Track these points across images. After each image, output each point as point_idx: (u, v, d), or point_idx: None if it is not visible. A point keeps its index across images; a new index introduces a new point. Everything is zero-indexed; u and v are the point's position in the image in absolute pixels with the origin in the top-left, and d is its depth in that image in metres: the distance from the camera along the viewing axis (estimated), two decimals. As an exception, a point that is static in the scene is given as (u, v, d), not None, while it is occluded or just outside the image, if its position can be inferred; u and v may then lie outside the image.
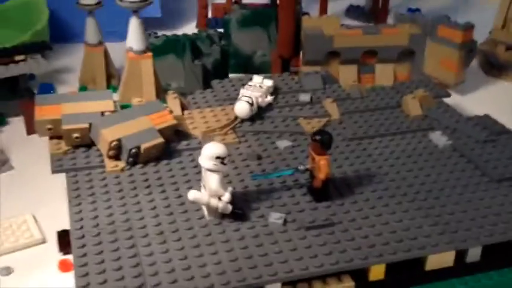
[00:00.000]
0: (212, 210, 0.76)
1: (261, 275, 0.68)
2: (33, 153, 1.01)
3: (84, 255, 0.70)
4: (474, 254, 0.74)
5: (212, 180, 0.74)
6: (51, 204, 0.83)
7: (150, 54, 1.01)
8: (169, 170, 0.86)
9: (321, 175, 0.78)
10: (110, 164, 0.87)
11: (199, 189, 0.76)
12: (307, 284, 0.70)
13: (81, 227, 0.75)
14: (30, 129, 1.09)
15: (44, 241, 0.82)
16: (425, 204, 0.80)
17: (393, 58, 1.21)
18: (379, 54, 1.21)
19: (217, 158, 0.74)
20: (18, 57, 1.17)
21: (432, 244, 0.73)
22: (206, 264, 0.69)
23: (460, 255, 0.74)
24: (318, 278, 0.71)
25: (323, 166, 0.78)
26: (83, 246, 0.71)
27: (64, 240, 0.78)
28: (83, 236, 0.73)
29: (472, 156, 0.90)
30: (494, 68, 1.37)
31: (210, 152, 0.74)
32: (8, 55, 1.17)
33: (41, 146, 0.95)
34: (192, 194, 0.74)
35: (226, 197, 0.75)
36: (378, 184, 0.84)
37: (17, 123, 1.12)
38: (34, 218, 0.85)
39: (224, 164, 0.74)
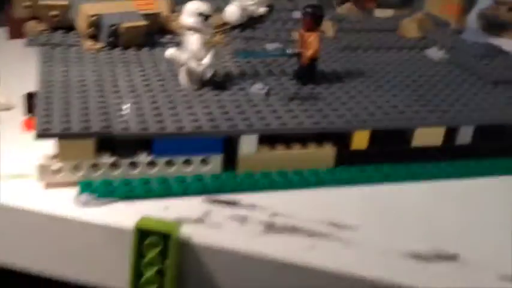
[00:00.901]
0: (191, 75, 0.71)
1: (237, 124, 0.63)
2: (13, 53, 0.97)
3: (49, 103, 0.65)
4: (464, 135, 0.70)
5: (193, 41, 0.70)
6: (22, 81, 0.79)
7: None
8: (150, 55, 0.82)
9: (309, 51, 0.74)
10: (88, 42, 0.83)
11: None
12: (285, 145, 0.66)
13: (49, 81, 0.70)
14: (13, 33, 1.05)
15: (9, 107, 0.77)
16: (417, 92, 0.76)
17: (394, 2, 1.18)
18: (379, -4, 1.18)
19: (200, 14, 0.69)
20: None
21: (421, 117, 0.68)
22: (180, 117, 0.64)
23: (450, 135, 0.69)
24: (298, 140, 0.66)
25: (312, 42, 0.74)
26: (48, 97, 0.66)
27: (31, 102, 0.73)
28: (50, 91, 0.68)
29: (469, 66, 0.86)
30: (495, 28, 1.34)
31: (193, 7, 0.70)
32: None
33: (20, 50, 0.92)
34: (170, 52, 0.70)
35: (207, 58, 0.71)
36: (368, 78, 0.79)
37: (1, 32, 1.08)
38: (3, 92, 0.80)
39: (207, 25, 0.70)
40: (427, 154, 0.69)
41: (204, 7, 0.70)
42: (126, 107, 0.64)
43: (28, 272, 0.60)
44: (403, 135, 0.69)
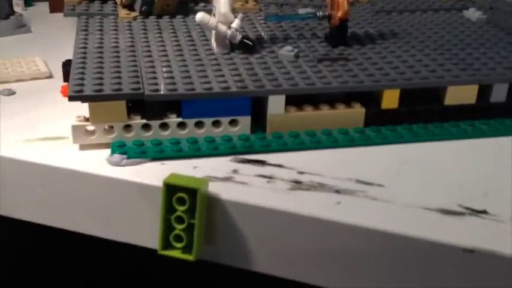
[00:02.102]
0: (220, 39, 0.72)
1: (265, 85, 0.64)
2: (54, 26, 1.00)
3: (83, 67, 0.67)
4: (499, 93, 0.68)
5: (222, 4, 0.71)
6: (63, 54, 0.81)
7: None
8: (183, 23, 0.83)
9: (339, 12, 0.74)
10: (123, 12, 0.85)
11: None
12: (313, 107, 0.66)
13: (85, 48, 0.72)
14: (54, 7, 1.08)
15: (50, 75, 0.80)
16: (450, 51, 0.74)
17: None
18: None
19: (229, -22, 0.70)
20: None
21: (452, 75, 0.67)
22: (209, 79, 0.65)
23: (484, 94, 0.68)
24: (326, 101, 0.66)
25: (342, 3, 0.73)
26: (82, 62, 0.68)
27: (68, 69, 0.75)
28: (84, 57, 0.70)
29: (507, 25, 0.84)
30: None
31: (221, -29, 0.70)
32: None
33: (61, 23, 0.94)
34: (200, 15, 0.71)
35: (236, 23, 0.71)
36: (401, 39, 0.78)
37: (42, 6, 1.11)
38: (44, 61, 0.83)
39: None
40: (460, 113, 0.68)
41: (232, -29, 0.70)
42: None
43: (62, 229, 0.62)
44: (436, 94, 0.68)
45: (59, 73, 0.78)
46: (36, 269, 1.06)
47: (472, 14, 0.89)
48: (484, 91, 0.68)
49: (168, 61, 0.69)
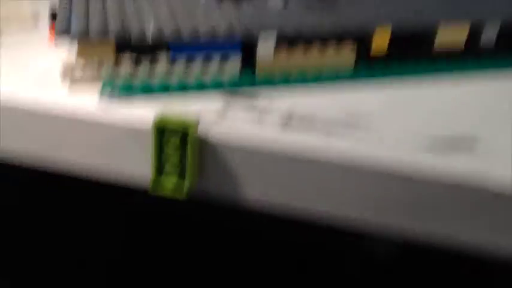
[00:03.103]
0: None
1: (254, 27, 0.63)
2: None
3: (69, 9, 0.66)
4: (489, 34, 0.68)
5: None
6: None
7: None
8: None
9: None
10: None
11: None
12: (303, 48, 0.65)
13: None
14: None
15: (36, 26, 0.78)
16: None
17: None
18: None
19: None
20: None
21: (443, 13, 0.67)
22: (198, 23, 0.64)
23: (474, 37, 0.68)
24: (317, 42, 0.65)
25: None
26: (68, 2, 0.67)
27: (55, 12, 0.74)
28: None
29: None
30: None
31: None
32: None
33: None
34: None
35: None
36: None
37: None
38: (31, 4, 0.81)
39: None
40: (450, 57, 0.68)
41: None
42: None
43: (57, 171, 0.62)
44: (426, 37, 0.67)
45: (45, 17, 0.76)
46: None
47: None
48: (475, 34, 0.68)
49: (156, 3, 0.68)
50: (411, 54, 0.67)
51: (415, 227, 0.54)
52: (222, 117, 0.58)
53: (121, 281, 1.10)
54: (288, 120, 0.58)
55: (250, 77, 0.64)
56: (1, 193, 1.05)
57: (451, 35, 0.67)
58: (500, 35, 0.68)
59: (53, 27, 0.73)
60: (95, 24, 0.61)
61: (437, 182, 0.52)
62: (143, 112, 0.58)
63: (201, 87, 0.61)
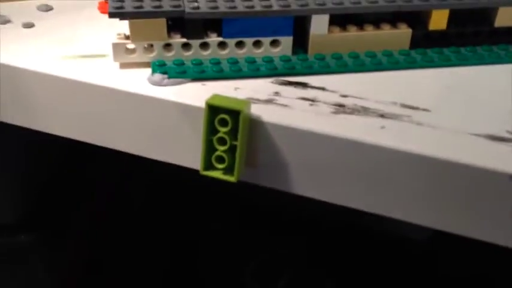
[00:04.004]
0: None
1: (308, 4, 0.61)
2: None
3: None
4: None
5: None
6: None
7: None
8: None
9: None
10: None
11: None
12: (357, 27, 0.64)
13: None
14: None
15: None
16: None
17: None
18: None
19: None
20: None
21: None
22: (249, -2, 0.63)
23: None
24: (371, 22, 0.64)
25: None
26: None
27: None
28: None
29: None
30: None
31: None
32: None
33: None
34: None
35: None
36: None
37: None
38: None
39: None
40: (510, 36, 0.65)
41: None
42: None
43: (101, 147, 0.63)
44: (486, 16, 0.65)
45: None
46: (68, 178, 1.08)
47: None
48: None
49: (208, -22, 0.67)
50: (470, 32, 0.64)
51: (468, 220, 0.53)
52: (273, 100, 0.57)
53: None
54: (341, 106, 0.57)
55: (302, 57, 0.62)
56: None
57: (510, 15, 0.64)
58: None
59: (102, 5, 0.73)
60: (147, 2, 0.61)
61: (497, 173, 0.50)
62: (195, 93, 0.58)
63: (252, 69, 0.60)
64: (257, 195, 0.97)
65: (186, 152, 0.59)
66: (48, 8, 0.73)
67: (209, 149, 0.55)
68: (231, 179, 0.55)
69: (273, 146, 0.56)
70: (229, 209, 1.19)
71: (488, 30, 0.65)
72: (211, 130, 0.54)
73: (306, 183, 0.57)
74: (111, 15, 0.58)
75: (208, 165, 0.55)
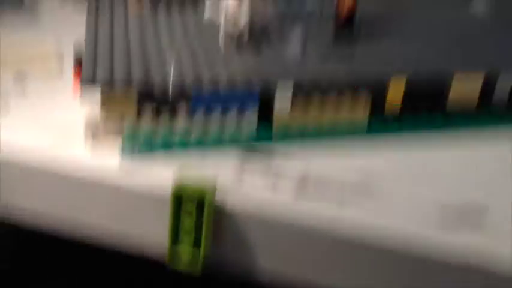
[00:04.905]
0: (228, 35, 0.72)
1: (272, 77, 0.65)
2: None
3: (94, 56, 0.68)
4: (503, 88, 0.69)
5: (229, 3, 0.71)
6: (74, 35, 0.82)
7: None
8: (195, 15, 0.83)
9: (346, 3, 0.74)
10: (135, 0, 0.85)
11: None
12: (320, 97, 0.67)
13: (95, 35, 0.73)
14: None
15: (62, 72, 0.81)
16: (458, 42, 0.75)
17: None
18: None
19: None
20: None
21: (458, 64, 0.68)
22: (218, 71, 0.66)
23: (488, 90, 0.69)
24: (333, 92, 0.67)
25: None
26: (94, 49, 0.69)
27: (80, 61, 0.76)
28: (95, 42, 0.71)
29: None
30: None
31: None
32: None
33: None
34: (207, 14, 0.71)
35: (244, 19, 0.71)
36: (407, 25, 0.79)
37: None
38: (57, 54, 0.84)
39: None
40: (464, 110, 0.69)
41: (240, -31, 0.70)
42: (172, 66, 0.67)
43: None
44: (440, 89, 0.69)
45: (69, 58, 0.78)
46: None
47: (481, 3, 0.89)
48: (488, 87, 0.69)
49: (178, 49, 0.70)
50: (425, 107, 0.68)
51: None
52: (238, 182, 0.60)
53: None
54: (302, 186, 0.59)
55: (266, 131, 0.66)
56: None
57: (465, 86, 0.68)
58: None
59: (77, 73, 0.75)
60: (119, 74, 0.63)
61: (445, 260, 0.53)
62: (163, 172, 0.60)
63: (219, 142, 0.63)
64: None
65: (153, 240, 0.61)
66: (21, 77, 0.76)
67: (174, 238, 0.57)
68: (196, 271, 0.56)
69: (237, 231, 0.58)
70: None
71: (444, 102, 0.69)
72: (177, 217, 0.56)
73: (272, 269, 0.59)
74: (82, 91, 0.61)
75: (173, 256, 0.57)
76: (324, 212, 0.56)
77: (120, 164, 0.61)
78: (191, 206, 0.55)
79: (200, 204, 0.55)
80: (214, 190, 0.57)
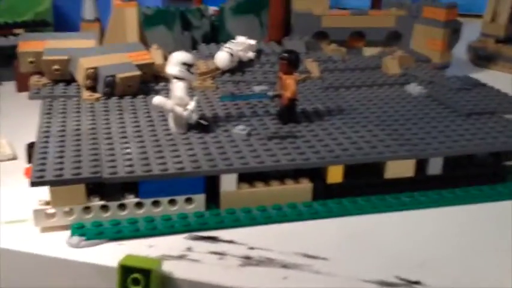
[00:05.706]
0: (178, 120, 0.77)
1: (218, 164, 0.68)
2: (20, 106, 1.04)
3: (45, 152, 0.71)
4: (435, 166, 0.74)
5: (178, 88, 0.76)
6: (27, 132, 0.85)
7: (135, 2, 1.05)
8: (144, 103, 0.88)
9: (288, 93, 0.79)
10: (86, 93, 0.89)
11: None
12: (264, 183, 0.70)
13: (47, 132, 0.76)
14: (21, 87, 1.12)
15: (14, 157, 0.84)
16: (391, 127, 0.80)
17: (381, 40, 1.24)
18: (367, 36, 1.24)
19: (184, 64, 0.75)
20: (17, 31, 1.25)
21: (391, 151, 0.73)
22: (166, 160, 0.69)
23: (421, 166, 0.74)
24: (276, 177, 0.71)
25: (290, 84, 0.79)
26: (44, 146, 0.72)
27: (31, 151, 0.79)
28: (46, 141, 0.74)
29: (445, 99, 0.91)
30: (483, 59, 1.39)
31: (177, 58, 0.75)
32: (9, 29, 1.26)
33: (28, 102, 0.98)
34: (157, 99, 0.75)
35: (192, 105, 0.76)
36: (347, 115, 0.84)
37: (10, 86, 1.15)
38: (9, 143, 0.86)
39: (190, 73, 0.76)
40: (400, 186, 0.73)
41: (187, 57, 0.76)
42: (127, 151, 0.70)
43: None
44: (377, 168, 0.73)
45: (22, 153, 0.81)
46: None
47: (413, 88, 0.95)
48: (422, 164, 0.74)
49: (127, 142, 0.73)
50: (364, 184, 0.72)
51: None
52: (185, 256, 0.62)
53: None
54: (248, 258, 0.62)
55: (214, 213, 0.68)
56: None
57: (399, 168, 0.73)
58: (445, 169, 0.74)
59: (27, 171, 0.78)
60: (68, 170, 0.66)
61: None
62: (111, 253, 0.61)
63: (167, 226, 0.65)
64: None
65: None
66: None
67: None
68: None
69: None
70: None
71: (380, 182, 0.73)
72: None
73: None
74: (33, 184, 0.63)
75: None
76: (267, 279, 0.58)
77: (68, 246, 0.62)
78: (138, 275, 0.56)
79: (147, 273, 0.57)
80: (160, 262, 0.58)
